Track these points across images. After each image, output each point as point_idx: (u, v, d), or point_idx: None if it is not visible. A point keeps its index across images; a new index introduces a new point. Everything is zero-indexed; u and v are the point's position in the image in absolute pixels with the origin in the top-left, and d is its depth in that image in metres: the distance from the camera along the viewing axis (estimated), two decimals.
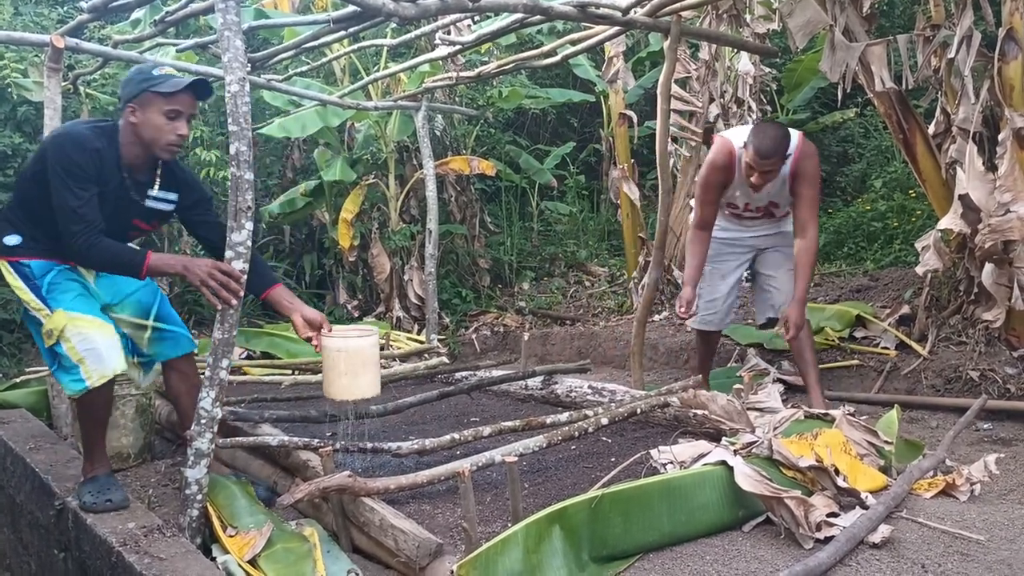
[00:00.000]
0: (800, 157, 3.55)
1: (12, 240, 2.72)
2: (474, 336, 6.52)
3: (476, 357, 6.21)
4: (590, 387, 3.99)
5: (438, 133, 7.39)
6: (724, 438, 2.90)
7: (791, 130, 3.59)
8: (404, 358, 5.37)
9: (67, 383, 2.67)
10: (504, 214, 8.69)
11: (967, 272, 3.98)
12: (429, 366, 4.91)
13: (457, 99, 7.42)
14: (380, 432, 3.78)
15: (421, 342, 5.90)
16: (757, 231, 3.88)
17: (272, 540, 2.49)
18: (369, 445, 3.08)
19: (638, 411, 3.12)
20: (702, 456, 2.67)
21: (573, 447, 3.42)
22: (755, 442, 2.68)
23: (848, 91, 4.11)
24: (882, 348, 4.28)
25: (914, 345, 4.15)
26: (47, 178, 2.62)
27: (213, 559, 2.37)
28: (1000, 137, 3.47)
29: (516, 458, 2.44)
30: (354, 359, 2.82)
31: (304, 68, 5.68)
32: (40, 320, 2.67)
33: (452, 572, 1.98)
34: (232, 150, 2.66)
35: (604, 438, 3.54)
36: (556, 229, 9.37)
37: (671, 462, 2.73)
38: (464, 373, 4.76)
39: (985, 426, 3.61)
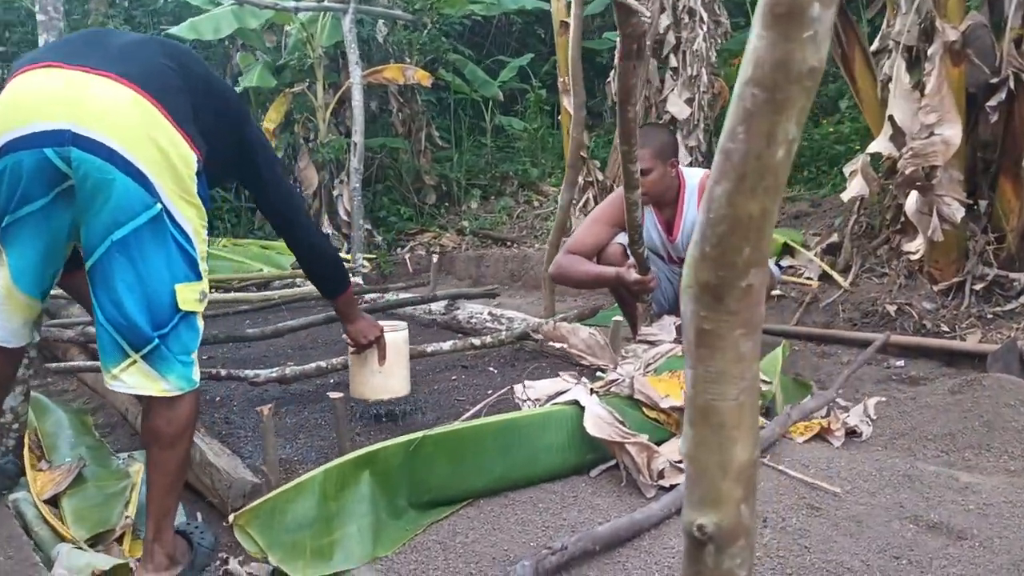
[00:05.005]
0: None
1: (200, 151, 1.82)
2: (408, 256, 6.27)
3: (408, 277, 5.98)
4: (490, 313, 3.79)
5: (380, 39, 6.97)
6: (598, 373, 2.71)
7: (696, 169, 3.32)
8: None
9: (178, 374, 1.79)
10: (455, 129, 8.33)
11: (895, 200, 3.73)
12: None
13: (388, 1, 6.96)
14: (262, 357, 3.59)
15: (348, 261, 5.66)
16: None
17: (84, 477, 2.30)
18: (223, 372, 2.89)
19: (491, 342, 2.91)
20: (561, 394, 2.47)
21: (454, 378, 3.23)
22: (618, 380, 2.47)
23: None
24: (805, 279, 4.06)
25: (836, 276, 3.93)
26: (223, 124, 1.97)
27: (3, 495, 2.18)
28: (930, 51, 3.16)
29: (342, 394, 2.24)
30: (388, 355, 2.56)
31: None
32: (196, 269, 1.80)
33: (227, 523, 1.78)
34: (41, 41, 2.37)
35: (492, 369, 3.35)
36: (516, 146, 9.01)
37: (531, 399, 2.53)
38: (373, 296, 4.53)
39: (898, 363, 3.43)
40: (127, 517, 2.14)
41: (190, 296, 1.78)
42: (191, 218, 1.78)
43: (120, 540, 2.09)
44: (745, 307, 0.63)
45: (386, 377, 2.59)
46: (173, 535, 1.92)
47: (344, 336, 2.56)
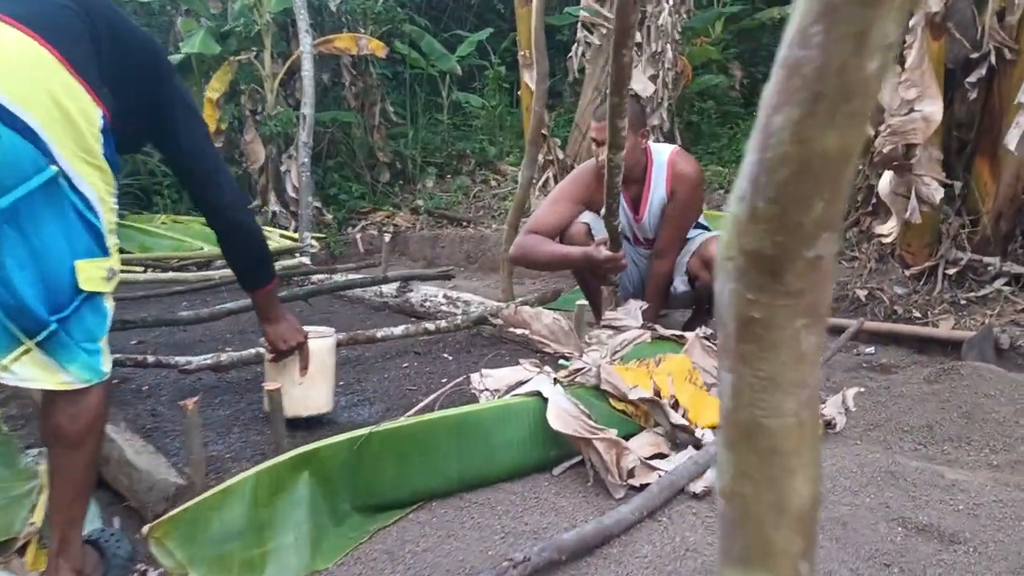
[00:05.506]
0: (674, 177, 2.98)
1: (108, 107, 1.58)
2: (359, 236, 6.00)
3: (359, 258, 5.73)
4: (445, 296, 3.57)
5: (332, 7, 6.65)
6: (561, 361, 2.51)
7: (665, 145, 3.17)
8: None
9: (81, 364, 1.54)
10: (411, 104, 8.04)
11: (866, 180, 3.60)
12: (286, 267, 4.40)
13: None
14: (197, 342, 3.32)
15: (295, 239, 5.38)
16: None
17: None
18: (151, 358, 2.63)
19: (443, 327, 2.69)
20: (521, 384, 2.27)
21: (405, 365, 3.02)
22: (584, 368, 2.28)
23: None
24: None
25: None
26: (137, 78, 1.72)
27: None
28: (911, 23, 3.01)
29: (278, 385, 2.01)
30: (312, 365, 2.28)
31: None
32: (102, 243, 1.56)
33: (141, 535, 1.55)
34: None
35: (446, 355, 3.14)
36: (474, 124, 8.74)
37: (488, 390, 2.33)
38: (320, 276, 4.28)
39: (868, 350, 3.30)
40: (32, 523, 1.88)
41: (94, 274, 1.53)
42: (95, 183, 1.52)
43: (23, 550, 1.84)
44: (811, 287, 0.44)
45: (307, 390, 2.30)
46: (81, 546, 1.68)
47: (262, 340, 2.26)
